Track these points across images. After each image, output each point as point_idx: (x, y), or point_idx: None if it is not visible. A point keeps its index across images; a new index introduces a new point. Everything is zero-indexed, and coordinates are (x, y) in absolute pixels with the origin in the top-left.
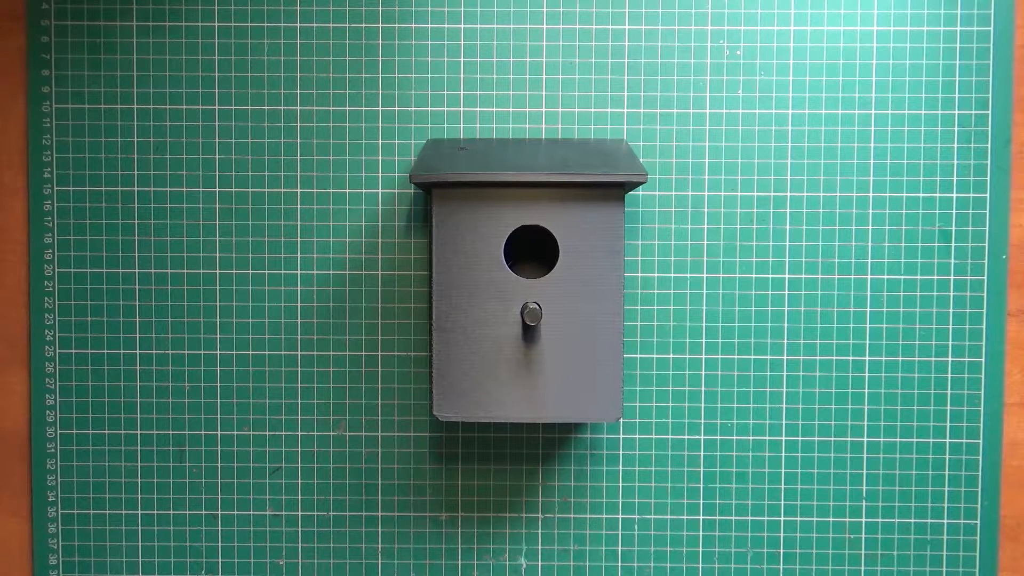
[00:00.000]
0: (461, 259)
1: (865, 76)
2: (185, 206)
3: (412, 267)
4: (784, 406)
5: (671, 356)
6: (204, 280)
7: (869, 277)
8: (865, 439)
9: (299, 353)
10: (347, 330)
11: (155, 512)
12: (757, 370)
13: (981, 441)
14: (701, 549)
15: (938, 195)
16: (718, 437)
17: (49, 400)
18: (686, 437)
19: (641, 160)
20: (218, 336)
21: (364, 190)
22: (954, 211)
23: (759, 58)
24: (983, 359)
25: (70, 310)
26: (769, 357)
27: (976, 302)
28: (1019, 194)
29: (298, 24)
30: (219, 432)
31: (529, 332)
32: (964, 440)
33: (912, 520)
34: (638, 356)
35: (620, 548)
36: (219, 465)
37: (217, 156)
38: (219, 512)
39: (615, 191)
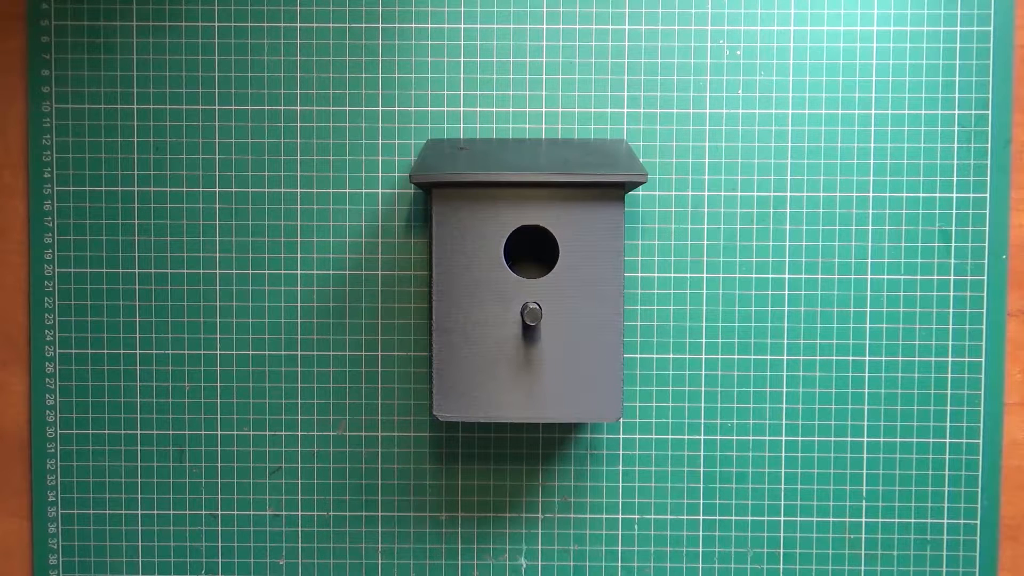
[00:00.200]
0: (461, 259)
1: (865, 76)
2: (185, 206)
3: (412, 267)
4: (784, 406)
5: (671, 356)
6: (204, 280)
7: (869, 277)
8: (865, 439)
9: (299, 353)
10: (347, 330)
11: (155, 512)
12: (757, 370)
13: (981, 441)
14: (701, 549)
15: (938, 195)
16: (718, 437)
17: (49, 400)
18: (686, 437)
19: (641, 160)
20: (218, 336)
21: (364, 190)
22: (954, 211)
23: (759, 58)
24: (983, 359)
25: (70, 310)
26: (769, 357)
27: (976, 302)
28: (1019, 194)
29: (298, 24)
30: (219, 432)
31: (529, 332)
32: (964, 440)
33: (912, 520)
34: (638, 356)
35: (620, 548)
36: (219, 465)
37: (217, 156)
38: (219, 512)
39: (615, 191)
